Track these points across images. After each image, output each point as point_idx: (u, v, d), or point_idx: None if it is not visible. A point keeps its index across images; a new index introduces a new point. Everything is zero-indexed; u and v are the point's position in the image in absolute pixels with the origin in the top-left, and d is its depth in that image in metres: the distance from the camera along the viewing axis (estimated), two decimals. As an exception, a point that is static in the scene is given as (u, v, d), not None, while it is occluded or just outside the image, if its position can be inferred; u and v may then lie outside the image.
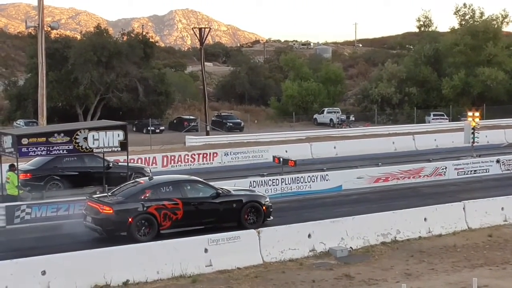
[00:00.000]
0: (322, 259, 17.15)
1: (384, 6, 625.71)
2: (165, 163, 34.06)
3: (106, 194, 20.07)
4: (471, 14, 75.29)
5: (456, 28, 77.82)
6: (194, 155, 35.44)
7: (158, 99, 66.34)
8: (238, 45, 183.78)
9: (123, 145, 23.18)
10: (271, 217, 20.44)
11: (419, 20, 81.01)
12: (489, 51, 69.37)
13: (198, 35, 58.47)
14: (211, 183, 20.82)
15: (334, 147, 40.11)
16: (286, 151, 35.19)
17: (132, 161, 29.14)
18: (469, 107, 47.30)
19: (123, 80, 62.93)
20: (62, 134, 22.10)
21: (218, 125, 61.51)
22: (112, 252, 15.47)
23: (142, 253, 15.61)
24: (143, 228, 18.51)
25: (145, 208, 18.67)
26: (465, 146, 35.84)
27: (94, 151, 23.09)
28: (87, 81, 60.66)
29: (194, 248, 16.09)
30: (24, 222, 20.92)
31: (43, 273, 14.25)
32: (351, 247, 17.90)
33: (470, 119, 34.90)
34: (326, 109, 69.84)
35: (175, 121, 64.26)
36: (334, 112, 68.66)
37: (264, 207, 20.29)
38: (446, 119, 63.69)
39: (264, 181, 25.86)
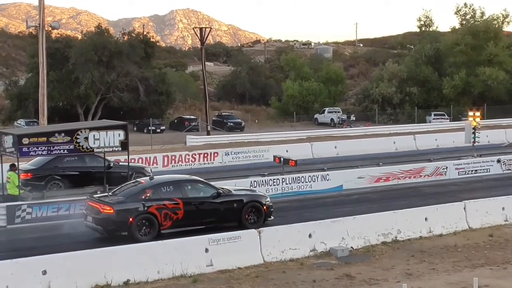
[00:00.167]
0: (323, 259, 17.15)
1: (384, 6, 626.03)
2: (165, 163, 34.06)
3: (106, 194, 20.06)
4: (472, 14, 75.33)
5: (456, 28, 77.87)
6: (195, 155, 35.44)
7: (159, 99, 66.34)
8: (239, 45, 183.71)
9: (124, 145, 23.20)
10: (272, 217, 20.44)
11: (419, 20, 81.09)
12: (490, 51, 69.36)
13: (198, 35, 58.46)
14: (212, 183, 20.82)
15: (335, 147, 40.10)
16: (286, 151, 35.16)
17: (132, 161, 29.15)
18: (470, 107, 47.30)
19: (124, 80, 62.93)
20: (62, 134, 22.11)
21: (218, 125, 61.52)
22: (112, 252, 15.47)
23: (142, 253, 15.62)
24: (144, 228, 18.51)
25: (145, 208, 18.68)
26: (466, 146, 35.86)
27: (94, 151, 23.11)
28: (88, 81, 60.65)
29: (194, 248, 16.09)
30: (25, 222, 20.93)
31: (44, 272, 14.26)
32: (352, 247, 17.89)
33: (471, 119, 34.90)
34: (327, 109, 69.83)
35: (175, 121, 64.26)
36: (335, 112, 68.64)
37: (265, 207, 20.28)
38: (447, 119, 63.68)
39: (265, 181, 25.85)
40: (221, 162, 35.77)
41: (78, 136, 22.21)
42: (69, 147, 22.15)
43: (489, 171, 30.95)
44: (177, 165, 34.21)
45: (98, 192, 21.29)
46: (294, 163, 26.49)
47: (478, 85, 68.22)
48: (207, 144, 44.05)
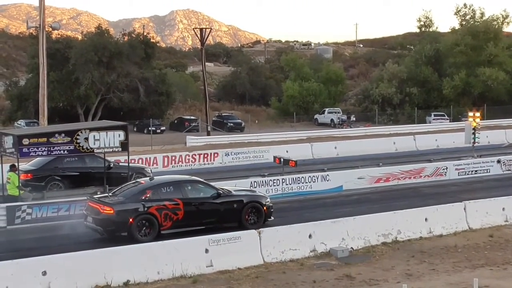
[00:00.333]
0: (323, 259, 17.15)
1: (384, 7, 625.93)
2: (166, 163, 34.05)
3: (107, 194, 20.05)
4: (472, 14, 75.37)
5: (456, 28, 77.85)
6: (195, 155, 35.43)
7: (159, 100, 66.36)
8: (239, 45, 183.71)
9: (124, 146, 23.21)
10: (272, 218, 20.43)
11: (419, 21, 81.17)
12: (490, 51, 69.34)
13: (199, 35, 58.48)
14: (212, 183, 20.82)
15: (335, 147, 40.09)
16: (287, 151, 35.19)
17: (133, 161, 29.15)
18: (469, 108, 47.31)
19: (124, 80, 62.94)
20: (63, 135, 22.11)
21: (219, 125, 61.53)
22: (113, 253, 15.48)
23: (142, 253, 15.62)
24: (144, 228, 18.51)
25: (145, 209, 18.67)
26: (466, 146, 35.85)
27: (95, 151, 23.12)
28: (88, 82, 60.66)
29: (194, 248, 16.10)
30: (25, 223, 20.92)
31: (44, 273, 14.26)
32: (352, 248, 17.90)
33: (471, 119, 34.91)
34: (327, 109, 69.83)
35: (176, 121, 64.27)
36: (335, 113, 68.64)
37: (265, 208, 20.28)
38: (447, 119, 63.65)
39: (265, 181, 25.85)
40: (221, 163, 35.75)
41: (78, 137, 22.21)
42: (69, 147, 22.16)
43: (489, 172, 30.95)
44: (177, 166, 34.20)
45: (98, 193, 21.30)
46: (294, 164, 26.49)
47: (478, 86, 68.21)
48: (207, 145, 44.04)
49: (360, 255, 17.61)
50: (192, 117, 64.08)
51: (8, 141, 22.41)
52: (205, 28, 61.93)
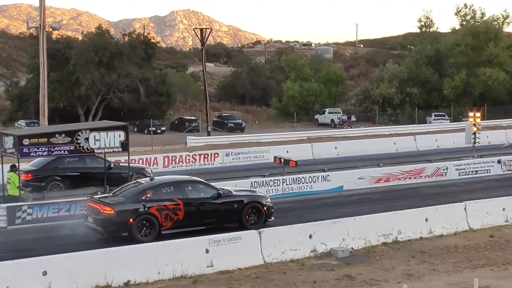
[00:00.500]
0: (323, 259, 17.15)
1: (385, 7, 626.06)
2: (166, 164, 34.06)
3: (107, 194, 20.06)
4: (472, 14, 75.27)
5: (457, 28, 77.79)
6: (195, 155, 35.44)
7: (159, 100, 66.37)
8: (239, 45, 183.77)
9: (124, 146, 23.24)
10: (272, 218, 20.44)
11: (420, 21, 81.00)
12: (490, 51, 69.34)
13: (199, 35, 58.51)
14: (212, 184, 20.83)
15: (335, 148, 40.11)
16: (287, 152, 35.20)
17: (133, 161, 29.17)
18: (470, 108, 47.28)
19: (125, 80, 62.97)
20: (63, 135, 22.14)
21: (219, 125, 61.53)
22: (113, 253, 15.49)
23: (143, 253, 15.62)
24: (144, 228, 18.52)
25: (146, 209, 18.68)
26: (466, 147, 35.86)
27: (95, 151, 23.14)
28: (89, 82, 60.67)
29: (195, 248, 16.10)
30: (26, 223, 20.93)
31: (44, 273, 14.27)
32: (352, 248, 17.90)
33: (471, 119, 34.91)
34: (327, 110, 69.83)
35: (176, 121, 64.28)
36: (335, 113, 68.63)
37: (265, 208, 20.28)
38: (447, 119, 63.64)
39: (265, 181, 25.85)
40: (221, 163, 35.76)
41: (78, 137, 22.24)
42: (69, 148, 22.18)
43: (490, 172, 30.96)
44: (177, 166, 34.21)
45: (99, 193, 21.30)
46: (295, 164, 26.48)
47: (478, 86, 68.20)
48: (207, 145, 44.06)
49: (361, 255, 17.61)
50: (193, 118, 64.08)
51: (9, 142, 22.44)
52: (206, 29, 61.93)
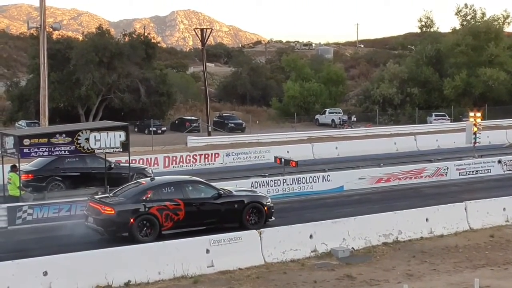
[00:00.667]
0: (324, 259, 17.15)
1: (385, 7, 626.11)
2: (166, 164, 34.07)
3: (107, 194, 20.06)
4: (473, 14, 75.21)
5: (457, 28, 77.71)
6: (196, 155, 35.44)
7: (159, 100, 66.40)
8: (240, 45, 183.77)
9: (125, 146, 23.25)
10: (273, 218, 20.43)
11: (420, 21, 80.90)
12: (491, 51, 69.32)
13: (199, 35, 58.51)
14: (213, 184, 20.83)
15: (336, 148, 40.12)
16: (287, 152, 35.19)
17: (133, 161, 29.17)
18: (470, 108, 47.26)
19: (125, 80, 62.99)
20: (63, 135, 22.15)
21: (219, 125, 61.55)
22: (113, 253, 15.49)
23: (143, 253, 15.63)
24: (145, 228, 18.52)
25: (146, 209, 18.68)
26: (466, 147, 35.84)
27: (95, 151, 23.14)
28: (89, 82, 60.70)
29: (195, 248, 16.10)
30: (26, 223, 20.94)
31: (45, 273, 14.27)
32: (352, 248, 17.90)
33: (471, 119, 34.90)
34: (327, 110, 69.85)
35: (176, 121, 64.31)
36: (336, 113, 68.65)
37: (265, 208, 20.28)
38: (448, 119, 63.66)
39: (266, 181, 25.85)
40: (222, 163, 35.76)
41: (79, 137, 22.25)
42: (70, 148, 22.19)
43: (490, 172, 30.95)
44: (178, 166, 34.21)
45: (99, 193, 21.33)
46: (295, 164, 26.47)
47: (479, 86, 68.19)
48: (208, 145, 44.07)
49: (361, 255, 17.61)
50: (193, 118, 64.11)
51: (9, 142, 22.45)
52: (206, 29, 61.94)
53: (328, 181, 26.99)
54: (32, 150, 21.77)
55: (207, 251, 16.11)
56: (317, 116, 69.71)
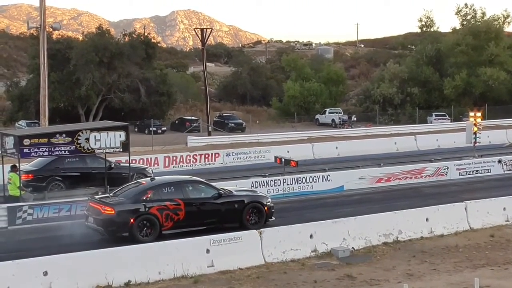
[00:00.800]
0: (324, 259, 17.16)
1: (385, 7, 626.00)
2: (167, 164, 34.07)
3: (108, 194, 20.06)
4: (473, 14, 75.24)
5: (457, 28, 77.73)
6: (196, 155, 35.45)
7: (160, 100, 66.41)
8: (240, 45, 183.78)
9: (125, 146, 23.26)
10: (273, 218, 20.42)
11: (420, 21, 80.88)
12: (491, 51, 69.31)
13: (200, 35, 58.48)
14: (213, 184, 20.82)
15: (336, 148, 40.11)
16: (288, 152, 35.19)
17: (134, 161, 29.17)
18: (471, 107, 47.25)
19: (125, 80, 62.99)
20: (64, 135, 22.15)
21: (220, 125, 61.54)
22: (114, 253, 15.49)
23: (143, 253, 15.63)
24: (145, 228, 18.51)
25: (147, 209, 18.67)
26: (467, 146, 35.85)
27: (96, 151, 23.15)
28: (89, 82, 60.70)
29: (196, 248, 16.10)
30: (26, 223, 20.94)
31: (45, 273, 14.27)
32: (353, 248, 17.90)
33: (471, 119, 34.90)
34: (328, 110, 69.85)
35: (177, 121, 64.30)
36: (336, 113, 68.65)
37: (266, 208, 20.28)
38: (448, 119, 63.66)
39: (266, 181, 25.85)
40: (222, 163, 35.77)
41: (79, 137, 22.25)
42: (70, 148, 22.20)
43: (490, 172, 30.95)
44: (178, 166, 34.22)
45: (99, 193, 21.33)
46: (295, 164, 26.47)
47: (479, 86, 68.19)
48: (208, 145, 44.08)
49: (361, 255, 17.61)
50: (193, 118, 64.10)
51: (9, 142, 22.45)
52: (206, 29, 61.88)
53: (328, 181, 26.99)
54: (32, 150, 21.77)
55: (207, 251, 16.11)
56: (317, 116, 69.71)
